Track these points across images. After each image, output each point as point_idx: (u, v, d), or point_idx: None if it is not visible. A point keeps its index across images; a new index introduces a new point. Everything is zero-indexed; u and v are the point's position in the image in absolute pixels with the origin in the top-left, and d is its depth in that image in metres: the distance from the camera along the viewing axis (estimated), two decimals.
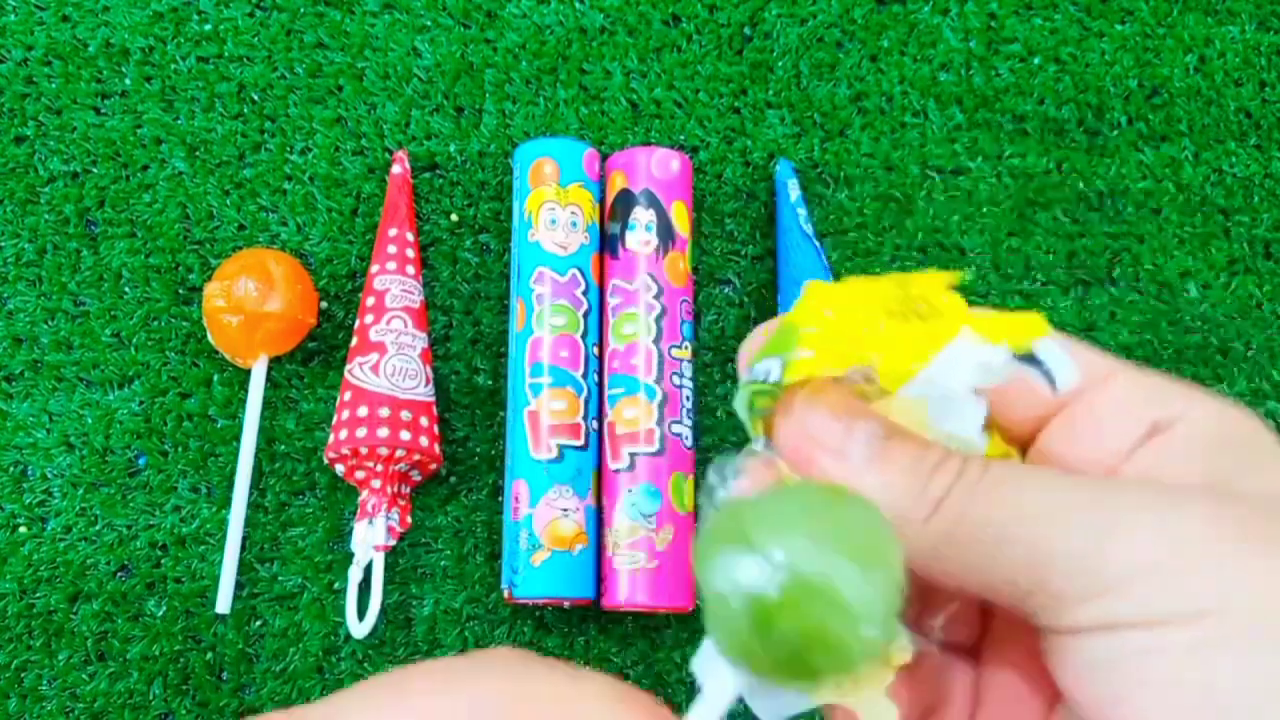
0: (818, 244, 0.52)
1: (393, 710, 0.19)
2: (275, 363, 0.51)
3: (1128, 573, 0.18)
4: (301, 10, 0.55)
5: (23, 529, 0.49)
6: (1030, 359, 0.20)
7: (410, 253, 0.51)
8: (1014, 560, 0.19)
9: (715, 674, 0.20)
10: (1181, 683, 0.18)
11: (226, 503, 0.49)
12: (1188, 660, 0.18)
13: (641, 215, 0.50)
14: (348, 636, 0.48)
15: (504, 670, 0.20)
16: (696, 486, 0.49)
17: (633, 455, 0.48)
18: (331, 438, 0.48)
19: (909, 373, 0.20)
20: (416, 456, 0.48)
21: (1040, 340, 0.20)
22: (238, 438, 0.50)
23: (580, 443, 0.48)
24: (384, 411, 0.47)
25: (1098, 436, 0.22)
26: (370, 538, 0.48)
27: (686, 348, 0.50)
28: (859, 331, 0.20)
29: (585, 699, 0.19)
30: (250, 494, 0.49)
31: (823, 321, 0.21)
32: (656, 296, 0.49)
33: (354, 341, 0.49)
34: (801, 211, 0.52)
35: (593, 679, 0.20)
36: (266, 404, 0.50)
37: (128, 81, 0.54)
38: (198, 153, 0.54)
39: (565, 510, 0.47)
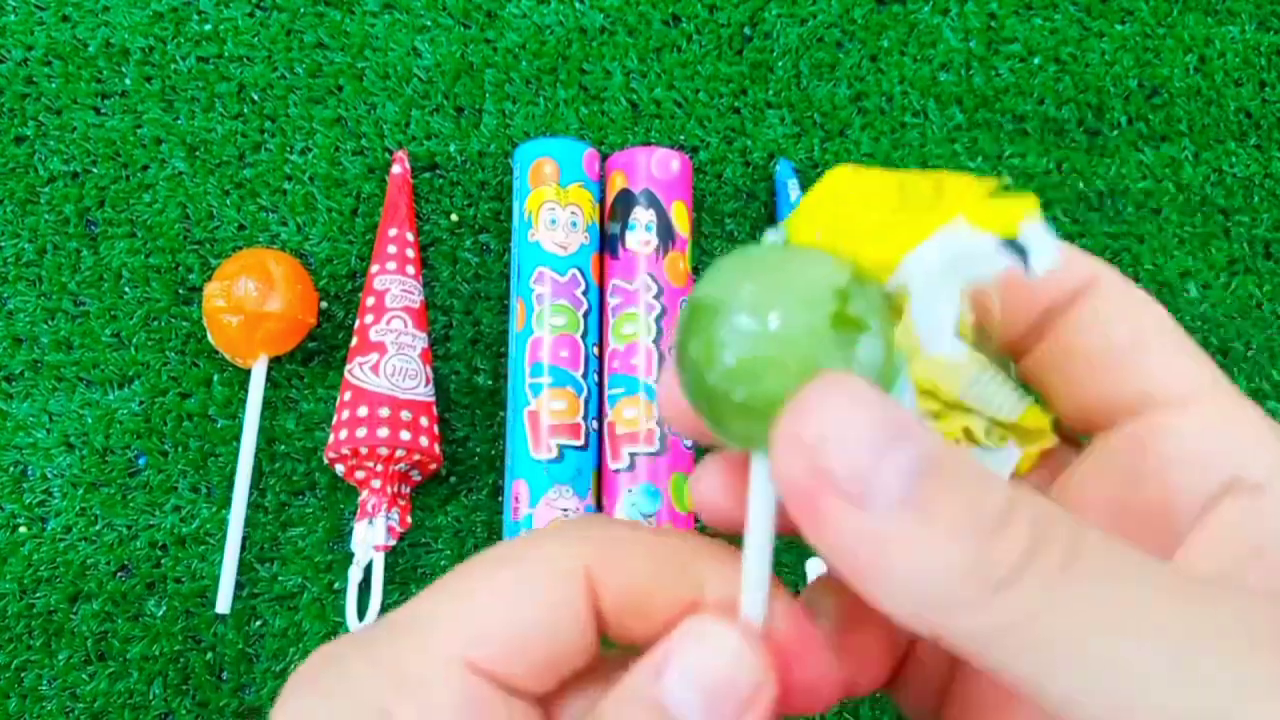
0: None
1: (489, 581, 0.18)
2: (275, 363, 0.51)
3: None
4: (301, 10, 0.55)
5: (23, 529, 0.49)
6: (1016, 245, 0.17)
7: (410, 253, 0.51)
8: (1093, 694, 0.14)
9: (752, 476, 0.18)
10: None
11: (226, 503, 0.49)
12: None
13: (641, 215, 0.50)
14: None
15: (589, 524, 0.19)
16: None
17: (633, 455, 0.48)
18: (331, 438, 0.48)
19: (890, 264, 0.17)
20: (416, 456, 0.48)
21: (1027, 223, 0.17)
22: (238, 438, 0.50)
23: (580, 443, 0.48)
24: (384, 411, 0.47)
25: (1165, 478, 0.18)
26: (370, 538, 0.48)
27: None
28: (852, 221, 0.18)
29: (667, 539, 0.19)
30: (250, 494, 0.49)
31: (827, 206, 0.18)
32: (657, 296, 0.49)
33: (354, 341, 0.49)
34: None
35: (671, 530, 0.20)
36: (266, 404, 0.50)
37: (128, 81, 0.54)
38: (198, 153, 0.54)
39: (565, 510, 0.47)
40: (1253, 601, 0.15)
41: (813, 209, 0.18)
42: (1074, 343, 0.19)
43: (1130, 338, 0.19)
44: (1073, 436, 0.21)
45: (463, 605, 0.18)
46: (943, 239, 0.17)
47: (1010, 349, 0.20)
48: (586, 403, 0.48)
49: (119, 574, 0.49)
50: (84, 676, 0.47)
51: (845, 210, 0.18)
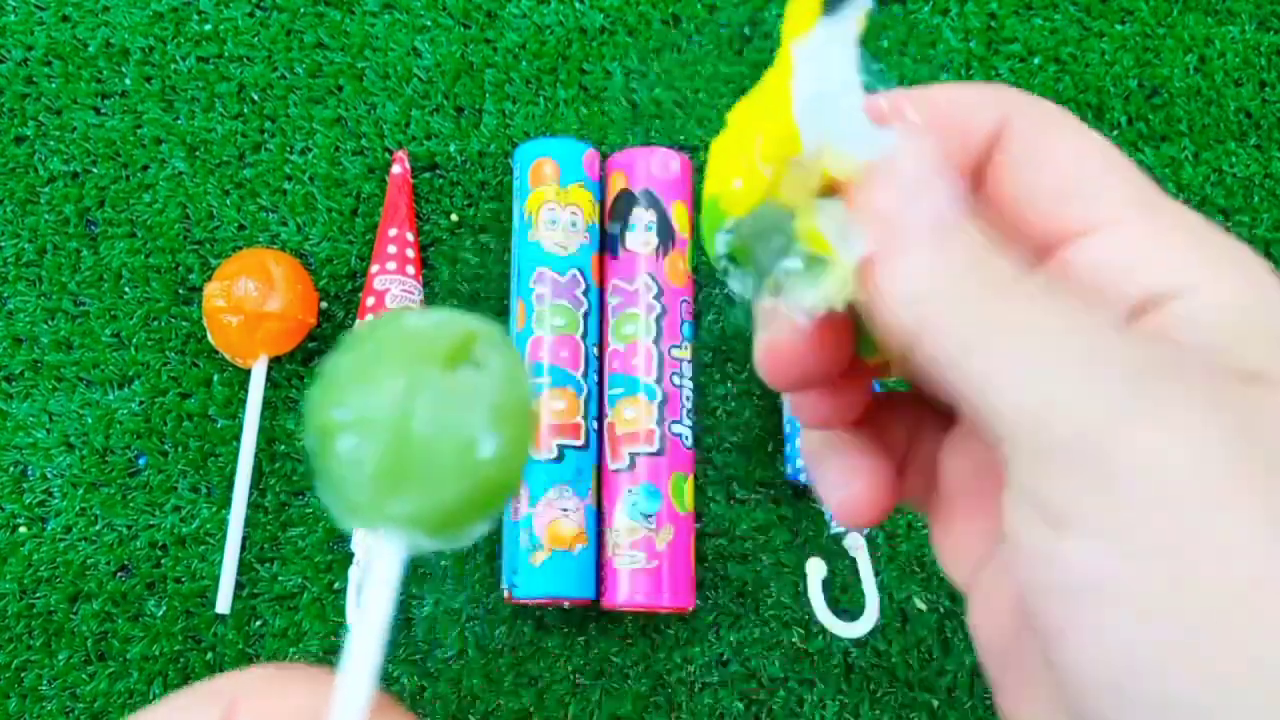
0: None
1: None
2: (275, 363, 0.51)
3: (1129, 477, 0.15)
4: (301, 10, 0.55)
5: (23, 529, 0.49)
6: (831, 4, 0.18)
7: (410, 253, 0.51)
8: (995, 399, 0.16)
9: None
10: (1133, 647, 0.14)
11: (226, 503, 0.49)
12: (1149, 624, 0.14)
13: (641, 215, 0.50)
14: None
15: (226, 679, 0.21)
16: (696, 487, 0.49)
17: (633, 455, 0.48)
18: None
19: (790, 126, 0.18)
20: None
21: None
22: (238, 438, 0.50)
23: (580, 443, 0.48)
24: None
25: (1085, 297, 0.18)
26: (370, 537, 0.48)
27: (686, 348, 0.50)
28: (746, 140, 0.18)
29: (306, 680, 0.21)
30: (250, 494, 0.49)
31: (730, 171, 0.19)
32: (656, 297, 0.49)
33: None
34: None
35: (312, 670, 0.21)
36: (266, 404, 0.50)
37: (128, 81, 0.54)
38: (198, 153, 0.54)
39: (565, 510, 0.47)
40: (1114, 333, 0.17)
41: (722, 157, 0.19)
42: (1000, 181, 0.20)
43: (1052, 168, 0.19)
44: None
45: None
46: (797, 75, 0.18)
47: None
48: (586, 403, 0.48)
49: (119, 574, 0.49)
50: (84, 676, 0.47)
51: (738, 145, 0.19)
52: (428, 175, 0.54)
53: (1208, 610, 0.14)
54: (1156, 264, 0.18)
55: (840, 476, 0.22)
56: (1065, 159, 0.19)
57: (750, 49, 0.56)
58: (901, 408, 0.23)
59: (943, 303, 0.17)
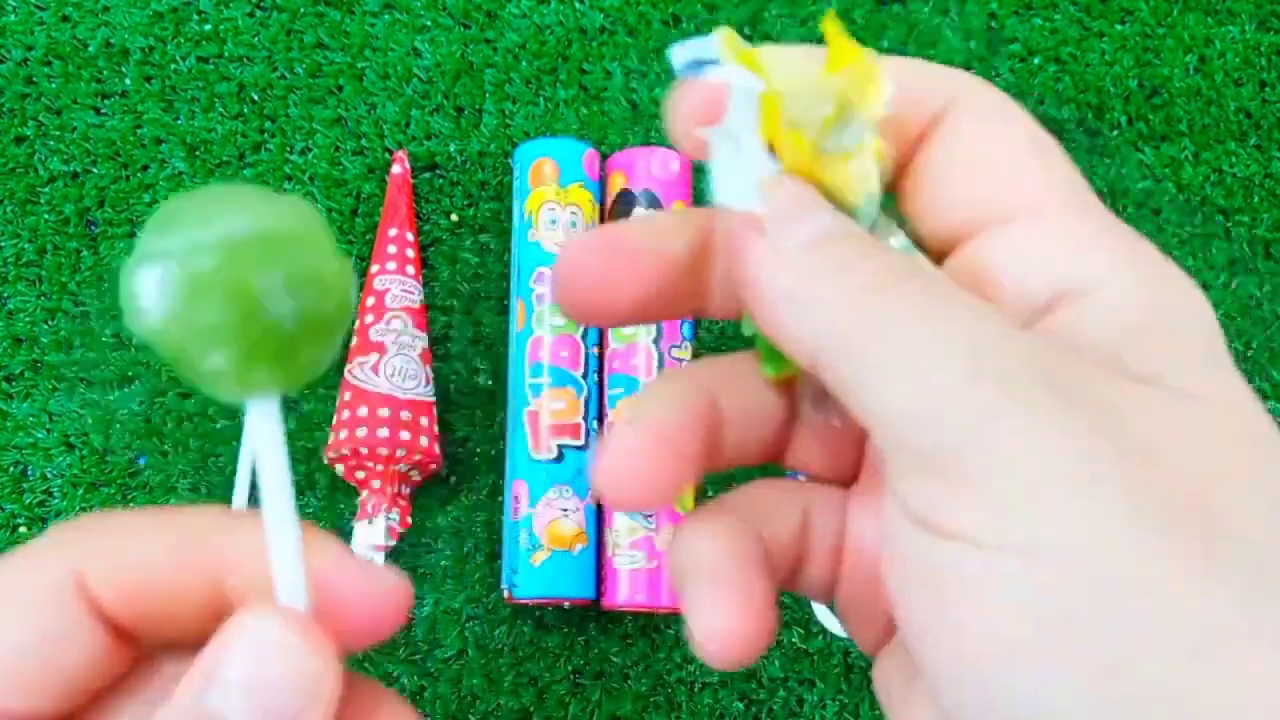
0: None
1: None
2: None
3: (982, 474, 0.15)
4: (301, 10, 0.55)
5: (23, 529, 0.49)
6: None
7: (410, 253, 0.51)
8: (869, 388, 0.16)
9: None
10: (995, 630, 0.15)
11: (226, 503, 0.49)
12: (1012, 604, 0.14)
13: (642, 215, 0.50)
14: None
15: (81, 523, 0.18)
16: (697, 486, 0.49)
17: None
18: (331, 438, 0.48)
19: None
20: (416, 456, 0.48)
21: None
22: (238, 438, 0.50)
23: (580, 443, 0.48)
24: (384, 412, 0.47)
25: (995, 293, 0.18)
26: (370, 538, 0.48)
27: (686, 348, 0.50)
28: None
29: (176, 518, 0.19)
30: (250, 494, 0.49)
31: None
32: None
33: (354, 341, 0.49)
34: None
35: (186, 508, 0.19)
36: None
37: (128, 81, 0.54)
38: (198, 153, 0.54)
39: (565, 510, 0.47)
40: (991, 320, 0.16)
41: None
42: (929, 167, 0.19)
43: (980, 156, 0.18)
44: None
45: None
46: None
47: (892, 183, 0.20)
48: (586, 403, 0.48)
49: None
50: None
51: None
52: (428, 175, 0.54)
53: (1064, 612, 0.14)
54: (1068, 260, 0.17)
55: (711, 603, 0.19)
56: (1001, 138, 0.18)
57: None
58: (792, 501, 0.21)
59: (817, 301, 0.17)
